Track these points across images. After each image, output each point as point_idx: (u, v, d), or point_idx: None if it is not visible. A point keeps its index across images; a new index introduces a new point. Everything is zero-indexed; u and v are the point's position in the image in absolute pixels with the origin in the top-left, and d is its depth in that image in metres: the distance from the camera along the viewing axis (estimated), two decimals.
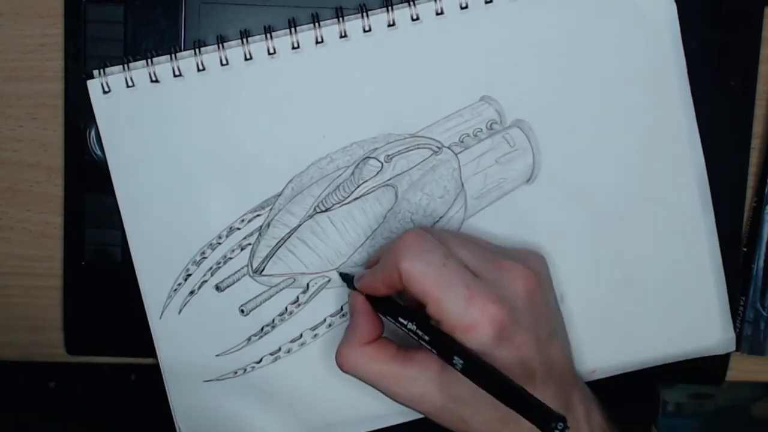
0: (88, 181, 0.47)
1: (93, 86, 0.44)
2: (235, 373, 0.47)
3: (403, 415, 0.48)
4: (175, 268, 0.46)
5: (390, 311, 0.40)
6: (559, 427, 0.33)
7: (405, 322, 0.39)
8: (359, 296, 0.42)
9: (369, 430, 0.48)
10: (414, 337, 0.38)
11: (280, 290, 0.46)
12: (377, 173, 0.45)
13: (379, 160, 0.45)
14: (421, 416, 0.48)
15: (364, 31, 0.44)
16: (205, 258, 0.46)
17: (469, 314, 0.36)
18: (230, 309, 0.47)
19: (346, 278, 0.45)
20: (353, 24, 0.44)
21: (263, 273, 0.46)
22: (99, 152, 0.46)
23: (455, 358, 0.36)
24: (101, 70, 0.44)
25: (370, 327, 0.41)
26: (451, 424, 0.40)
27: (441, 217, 0.46)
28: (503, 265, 0.39)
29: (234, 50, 0.44)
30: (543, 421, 0.33)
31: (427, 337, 0.37)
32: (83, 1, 0.45)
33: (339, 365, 0.41)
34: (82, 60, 0.45)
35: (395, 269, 0.38)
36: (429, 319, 0.38)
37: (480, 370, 0.35)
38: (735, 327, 0.48)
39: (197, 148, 0.45)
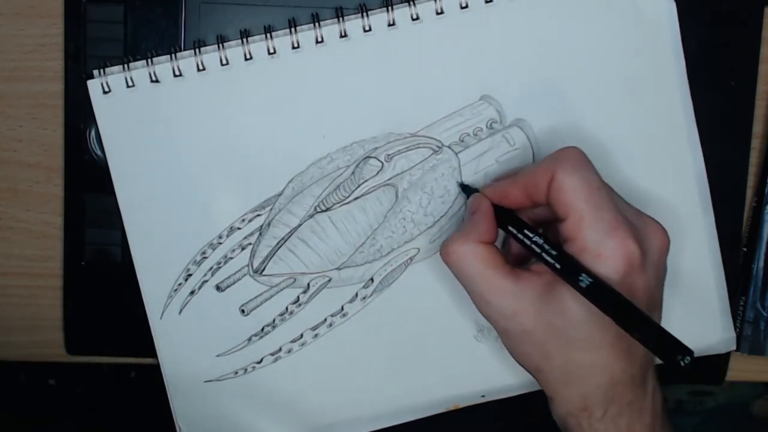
0: (88, 181, 0.47)
1: (93, 86, 0.44)
2: (236, 373, 0.47)
3: (405, 416, 0.48)
4: (175, 267, 0.46)
5: (514, 224, 0.39)
6: (686, 361, 0.32)
7: (531, 235, 0.38)
8: (485, 198, 0.41)
9: (369, 431, 0.48)
10: (537, 251, 0.37)
11: (281, 290, 0.46)
12: (377, 173, 0.45)
13: (379, 160, 0.45)
14: (422, 416, 0.48)
15: (365, 30, 0.44)
16: (205, 258, 0.46)
17: (606, 242, 0.36)
18: (231, 309, 0.47)
19: (467, 189, 0.44)
20: (353, 23, 0.44)
21: (264, 273, 0.46)
22: (99, 152, 0.46)
23: (582, 275, 0.35)
24: (101, 70, 0.44)
25: (489, 228, 0.40)
26: (526, 355, 0.39)
27: (441, 216, 0.46)
28: (644, 217, 0.39)
29: (234, 50, 0.44)
30: (669, 351, 0.32)
31: (554, 252, 0.37)
32: (83, 1, 0.45)
33: (444, 254, 0.39)
34: (82, 60, 0.45)
35: (548, 176, 0.37)
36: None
37: (608, 292, 0.35)
38: (735, 327, 0.48)
39: (197, 148, 0.45)
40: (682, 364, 0.32)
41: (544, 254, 0.37)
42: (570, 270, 0.36)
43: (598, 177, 0.38)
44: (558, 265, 0.37)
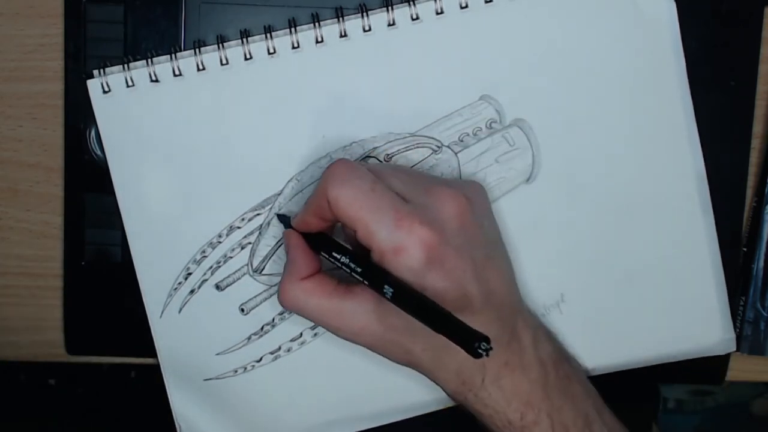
0: (88, 181, 0.47)
1: (93, 86, 0.44)
2: (235, 371, 0.47)
3: (403, 413, 0.48)
4: (175, 267, 0.46)
5: (324, 247, 0.40)
6: (483, 347, 0.33)
7: (338, 256, 0.39)
8: (293, 233, 0.42)
9: (369, 428, 0.48)
10: (347, 270, 0.38)
11: None
12: None
13: (379, 159, 0.45)
14: (421, 413, 0.48)
15: (364, 30, 0.44)
16: (205, 257, 0.46)
17: (397, 237, 0.36)
18: (230, 308, 0.47)
19: (284, 220, 0.45)
20: (353, 23, 0.44)
21: (263, 272, 0.46)
22: (99, 152, 0.46)
23: (385, 287, 0.36)
24: (101, 70, 0.44)
25: (307, 261, 0.41)
26: (394, 355, 0.40)
27: None
28: (433, 189, 0.39)
29: (234, 50, 0.44)
30: (468, 342, 0.33)
31: (359, 269, 0.38)
32: (83, 1, 0.45)
33: (281, 302, 0.41)
34: (82, 60, 0.45)
35: (324, 197, 0.38)
36: (363, 251, 0.38)
37: (408, 297, 0.36)
38: (735, 327, 0.48)
39: (197, 148, 0.45)
40: (482, 351, 0.33)
41: (352, 273, 0.38)
42: (376, 282, 0.37)
43: (369, 179, 0.38)
44: (366, 282, 0.37)
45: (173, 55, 0.44)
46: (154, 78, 0.44)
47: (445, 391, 0.42)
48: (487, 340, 0.33)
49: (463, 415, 0.48)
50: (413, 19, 0.44)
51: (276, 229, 0.46)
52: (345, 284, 0.40)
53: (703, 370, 0.49)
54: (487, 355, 0.33)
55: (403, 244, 0.36)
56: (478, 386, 0.40)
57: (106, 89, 0.44)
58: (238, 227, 0.46)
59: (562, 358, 0.42)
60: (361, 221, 0.37)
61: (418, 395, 0.48)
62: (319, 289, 0.40)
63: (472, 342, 0.33)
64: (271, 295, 0.46)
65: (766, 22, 0.47)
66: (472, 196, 0.40)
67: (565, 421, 0.40)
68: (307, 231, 0.41)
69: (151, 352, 0.47)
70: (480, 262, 0.38)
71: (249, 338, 0.47)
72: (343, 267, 0.39)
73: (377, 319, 0.39)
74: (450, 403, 0.48)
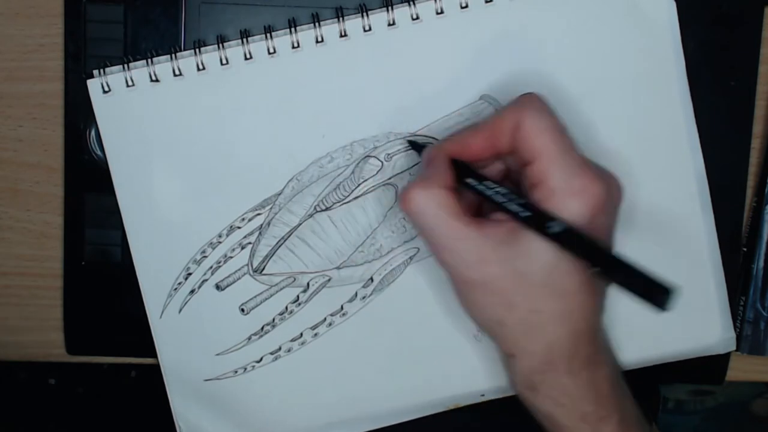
0: (88, 181, 0.47)
1: (93, 86, 0.44)
2: (236, 372, 0.47)
3: (404, 415, 0.48)
4: (175, 267, 0.46)
5: (473, 175, 0.39)
6: (669, 300, 0.32)
7: (494, 185, 0.38)
8: (440, 149, 0.40)
9: (369, 430, 0.48)
10: (503, 200, 0.37)
11: (281, 289, 0.46)
12: (377, 172, 0.45)
13: (379, 159, 0.45)
14: (421, 416, 0.48)
15: (365, 30, 0.44)
16: (205, 257, 0.46)
17: (575, 182, 0.36)
18: (230, 308, 0.47)
19: (416, 146, 0.44)
20: (353, 23, 0.44)
21: (263, 272, 0.46)
22: (99, 152, 0.46)
23: (551, 223, 0.35)
24: (101, 70, 0.44)
25: (448, 175, 0.39)
26: (489, 307, 0.38)
27: None
28: (601, 167, 0.39)
29: (234, 49, 0.44)
30: (653, 293, 0.32)
31: (522, 200, 0.37)
32: (83, 1, 0.45)
33: (403, 202, 0.38)
34: (82, 60, 0.45)
35: (514, 121, 0.37)
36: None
37: (579, 236, 0.35)
38: (735, 327, 0.48)
39: (197, 147, 0.45)
40: (666, 306, 0.32)
41: (509, 203, 0.37)
42: (539, 218, 0.36)
43: (562, 121, 0.38)
44: (528, 213, 0.36)
45: (173, 55, 0.44)
46: (154, 78, 0.44)
47: (516, 367, 0.39)
48: (672, 291, 0.31)
49: (464, 416, 0.48)
50: (413, 19, 0.44)
51: (276, 228, 0.46)
52: (473, 215, 0.39)
53: (703, 370, 0.49)
54: (667, 309, 0.32)
55: (577, 192, 0.36)
56: (562, 371, 0.38)
57: (106, 89, 0.44)
58: (239, 227, 0.46)
59: (619, 367, 0.42)
60: (548, 154, 0.36)
61: (419, 397, 0.48)
62: (452, 204, 0.38)
63: (659, 293, 0.32)
64: (271, 295, 0.46)
65: (766, 22, 0.47)
66: (623, 190, 0.40)
67: (630, 417, 0.40)
68: (458, 155, 0.40)
69: (151, 352, 0.47)
70: (610, 245, 0.39)
71: (249, 338, 0.47)
72: (498, 196, 0.37)
73: (499, 258, 0.37)
74: (449, 406, 0.48)
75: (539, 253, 0.36)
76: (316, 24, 0.44)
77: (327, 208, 0.46)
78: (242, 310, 0.47)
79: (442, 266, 0.39)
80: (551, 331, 0.37)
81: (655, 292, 0.32)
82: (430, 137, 0.45)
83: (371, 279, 0.46)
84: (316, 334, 0.47)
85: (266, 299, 0.47)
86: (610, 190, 0.37)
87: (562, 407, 0.39)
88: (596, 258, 0.35)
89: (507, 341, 0.39)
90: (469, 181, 0.39)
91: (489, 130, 0.39)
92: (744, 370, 0.50)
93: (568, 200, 0.36)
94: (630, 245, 0.46)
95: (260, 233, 0.46)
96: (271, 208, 0.46)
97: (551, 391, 0.39)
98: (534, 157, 0.37)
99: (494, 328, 0.39)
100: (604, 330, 0.40)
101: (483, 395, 0.48)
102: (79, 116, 0.46)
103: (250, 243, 0.46)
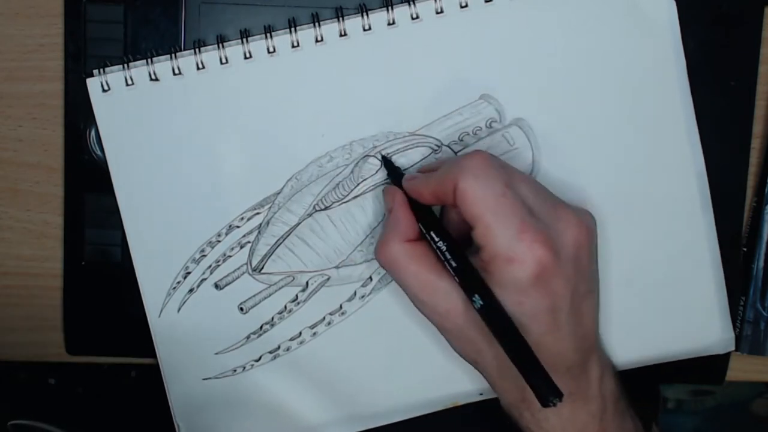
0: (88, 181, 0.47)
1: (93, 84, 0.44)
2: (234, 371, 0.47)
3: (404, 413, 0.48)
4: (174, 266, 0.46)
5: (426, 222, 0.40)
6: (554, 402, 0.34)
7: (437, 239, 0.38)
8: (400, 192, 0.41)
9: (368, 428, 0.48)
10: (441, 256, 0.38)
11: (280, 288, 0.46)
12: (377, 171, 0.45)
13: (378, 159, 0.45)
14: (420, 414, 0.48)
15: (364, 29, 0.44)
16: (204, 256, 0.46)
17: (515, 247, 0.36)
18: (229, 307, 0.47)
19: (389, 166, 0.44)
20: (353, 22, 0.44)
21: (262, 271, 0.46)
22: (99, 152, 0.46)
23: (476, 295, 0.36)
24: (101, 69, 0.44)
25: (411, 224, 0.40)
26: (464, 349, 0.40)
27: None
28: (560, 211, 0.39)
29: (233, 49, 0.44)
30: (542, 389, 0.34)
31: (454, 264, 0.37)
32: (83, 1, 0.45)
33: (379, 255, 0.40)
34: (82, 60, 0.45)
35: (452, 184, 0.37)
36: (465, 244, 0.38)
37: (497, 315, 0.36)
38: (735, 327, 0.48)
39: (196, 146, 0.45)
40: (552, 404, 0.34)
41: (446, 262, 0.38)
42: (468, 285, 0.37)
43: (502, 182, 0.37)
44: (457, 279, 0.37)
45: (173, 55, 0.44)
46: (153, 77, 0.44)
47: (500, 400, 0.42)
48: (560, 396, 0.33)
49: (462, 415, 0.48)
50: (413, 19, 0.44)
51: (276, 227, 0.46)
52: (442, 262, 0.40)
53: (703, 370, 0.49)
54: (554, 405, 0.34)
55: (518, 257, 0.36)
56: (538, 408, 0.39)
57: (106, 88, 0.44)
58: (237, 226, 0.46)
59: (620, 394, 0.42)
60: (483, 222, 0.37)
61: (418, 396, 0.48)
62: (423, 258, 0.39)
63: (547, 393, 0.34)
64: (270, 294, 0.46)
65: (766, 22, 0.47)
66: (592, 227, 0.40)
67: None
68: (417, 199, 0.41)
69: (151, 352, 0.47)
70: (580, 295, 0.38)
71: (248, 337, 0.47)
72: (438, 251, 0.38)
73: (464, 310, 0.38)
74: (448, 404, 0.48)
75: None
76: (316, 23, 0.44)
77: (326, 208, 0.46)
78: (241, 309, 0.47)
79: (420, 311, 0.41)
80: (516, 375, 0.38)
81: (544, 390, 0.34)
82: (430, 137, 0.45)
83: (370, 278, 0.46)
84: (315, 333, 0.47)
85: (265, 298, 0.46)
86: (558, 247, 0.37)
87: None
88: (507, 342, 0.36)
89: (486, 378, 0.41)
90: (420, 226, 0.40)
91: (433, 186, 0.39)
92: (744, 370, 0.50)
93: (508, 266, 0.36)
94: (630, 245, 0.46)
95: (259, 232, 0.46)
96: (270, 208, 0.46)
97: (528, 424, 0.41)
98: (473, 223, 0.37)
99: (474, 366, 0.41)
100: (598, 363, 0.41)
101: (481, 394, 0.48)
102: (79, 116, 0.46)
103: (249, 242, 0.46)
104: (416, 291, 0.40)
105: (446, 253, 0.38)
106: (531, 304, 0.36)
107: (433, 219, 0.40)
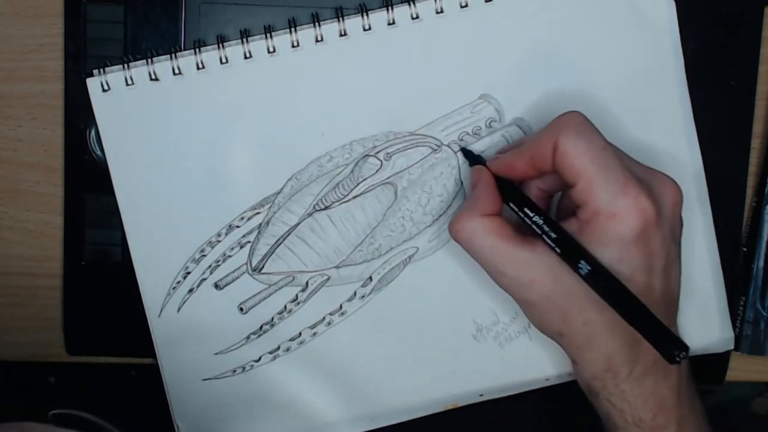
0: (88, 181, 0.47)
1: (92, 84, 0.44)
2: (234, 371, 0.47)
3: (402, 414, 0.48)
4: (174, 266, 0.46)
5: (516, 199, 0.39)
6: (682, 356, 0.33)
7: (531, 214, 0.38)
8: (486, 170, 0.41)
9: (368, 429, 0.48)
10: (538, 231, 0.37)
11: (280, 288, 0.46)
12: (376, 171, 0.45)
13: (378, 158, 0.45)
14: (421, 416, 0.48)
15: (364, 29, 0.44)
16: (204, 256, 0.46)
17: (619, 202, 0.35)
18: (229, 307, 0.47)
19: (469, 155, 0.44)
20: (353, 22, 0.44)
21: (262, 271, 0.46)
22: (99, 152, 0.46)
23: (581, 262, 0.35)
24: (101, 69, 0.44)
25: (493, 200, 0.40)
26: (549, 320, 0.39)
27: (440, 215, 0.46)
28: (655, 172, 0.38)
29: (234, 48, 0.44)
30: (666, 346, 0.33)
31: (553, 235, 0.37)
32: (83, 1, 0.45)
33: (453, 233, 0.39)
34: (82, 60, 0.45)
35: (551, 143, 0.37)
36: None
37: (606, 280, 0.35)
38: (735, 327, 0.48)
39: (196, 146, 0.45)
40: (678, 360, 0.33)
41: (544, 236, 0.37)
42: (570, 254, 0.36)
43: (602, 138, 0.37)
44: (558, 250, 0.37)
45: (173, 55, 0.44)
46: (153, 76, 0.44)
47: (579, 373, 0.41)
48: (686, 349, 0.33)
49: (462, 416, 0.48)
50: (413, 18, 0.44)
51: (276, 227, 0.46)
52: (523, 234, 0.39)
53: (703, 370, 0.49)
54: (679, 362, 0.33)
55: (622, 211, 0.35)
56: (624, 377, 0.39)
57: (106, 88, 0.44)
58: (237, 226, 0.46)
59: (691, 375, 0.42)
60: (587, 176, 0.36)
61: (418, 397, 0.48)
62: (500, 230, 0.38)
63: (672, 348, 0.33)
64: (270, 294, 0.46)
65: (766, 22, 0.47)
66: (682, 191, 0.39)
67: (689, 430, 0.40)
68: (505, 175, 0.40)
69: (151, 352, 0.47)
70: (671, 260, 0.38)
71: (248, 338, 0.47)
72: (534, 226, 0.38)
73: (553, 277, 0.38)
74: (448, 405, 0.48)
75: None
76: (316, 23, 0.44)
77: (326, 207, 0.46)
78: (241, 309, 0.47)
79: (500, 286, 0.40)
80: (608, 340, 0.38)
81: (669, 347, 0.34)
82: (430, 137, 0.45)
83: (370, 278, 0.46)
84: (315, 334, 0.47)
85: (265, 298, 0.47)
86: (659, 203, 0.36)
87: (620, 411, 0.40)
88: (619, 304, 0.35)
89: (569, 350, 0.40)
90: (511, 205, 0.39)
91: (530, 151, 0.39)
92: (744, 370, 0.50)
93: (611, 222, 0.36)
94: None
95: (259, 232, 0.46)
96: (270, 207, 0.46)
97: (610, 396, 0.40)
98: (574, 179, 0.36)
99: (557, 338, 0.40)
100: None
101: (482, 395, 0.48)
102: (79, 116, 0.46)
103: (249, 242, 0.46)
104: (496, 263, 0.39)
105: (543, 226, 0.37)
106: (630, 262, 0.36)
107: (524, 196, 0.40)
